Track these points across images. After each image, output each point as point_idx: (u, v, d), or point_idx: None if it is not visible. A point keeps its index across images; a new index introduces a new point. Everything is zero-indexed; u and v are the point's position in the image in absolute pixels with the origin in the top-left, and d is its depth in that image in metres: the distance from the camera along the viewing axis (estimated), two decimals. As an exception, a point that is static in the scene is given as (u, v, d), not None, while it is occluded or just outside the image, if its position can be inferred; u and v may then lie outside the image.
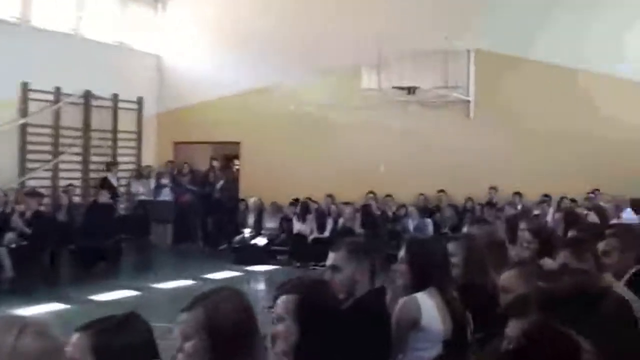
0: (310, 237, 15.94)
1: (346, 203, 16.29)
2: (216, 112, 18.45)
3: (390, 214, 16.65)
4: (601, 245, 4.97)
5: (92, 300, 11.88)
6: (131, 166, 18.61)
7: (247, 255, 16.02)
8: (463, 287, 4.82)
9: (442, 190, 16.88)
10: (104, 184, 17.02)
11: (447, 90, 16.51)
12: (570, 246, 4.77)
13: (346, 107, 17.47)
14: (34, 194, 14.24)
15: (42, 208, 14.17)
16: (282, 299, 3.36)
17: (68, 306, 11.44)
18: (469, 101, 16.99)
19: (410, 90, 16.44)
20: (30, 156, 16.16)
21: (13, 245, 12.91)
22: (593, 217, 7.72)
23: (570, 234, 5.39)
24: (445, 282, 4.53)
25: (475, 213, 15.19)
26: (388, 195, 17.01)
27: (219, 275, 14.36)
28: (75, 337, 2.75)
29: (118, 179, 17.79)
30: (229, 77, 18.23)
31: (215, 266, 15.14)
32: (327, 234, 15.81)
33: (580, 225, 6.28)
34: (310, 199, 16.90)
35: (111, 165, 17.65)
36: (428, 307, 4.39)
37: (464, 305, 4.55)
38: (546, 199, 15.62)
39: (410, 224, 15.96)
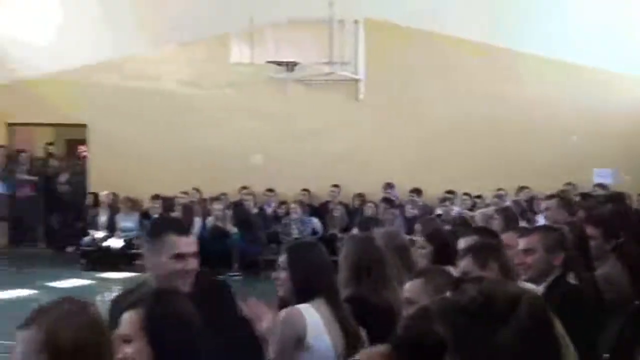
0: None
1: (216, 198, 16.37)
2: (57, 88, 18.12)
3: (269, 212, 16.81)
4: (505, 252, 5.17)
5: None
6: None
7: (100, 259, 15.96)
8: (355, 298, 4.91)
9: (336, 185, 17.02)
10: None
11: (333, 66, 16.49)
12: (471, 252, 4.90)
13: (213, 84, 17.54)
14: None
15: None
16: (126, 317, 3.35)
17: None
18: (358, 80, 17.23)
19: (289, 65, 16.39)
20: None
21: None
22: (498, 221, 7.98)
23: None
24: (333, 292, 4.60)
25: (365, 212, 15.44)
26: (269, 190, 17.16)
27: (66, 283, 14.28)
28: None
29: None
30: (73, 47, 17.75)
31: (60, 272, 15.04)
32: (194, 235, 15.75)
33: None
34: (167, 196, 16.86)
35: None
36: (314, 321, 4.43)
37: (356, 320, 4.61)
38: (449, 196, 16.05)
39: (293, 225, 16.13)
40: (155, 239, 4.22)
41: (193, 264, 4.21)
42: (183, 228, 4.34)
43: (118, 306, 3.50)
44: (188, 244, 4.22)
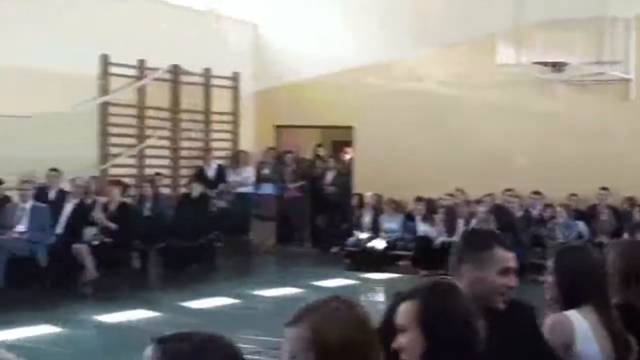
0: (438, 241, 16.06)
1: (478, 201, 16.39)
2: (325, 92, 18.73)
3: (534, 214, 16.66)
4: None
5: (183, 308, 12.39)
6: (226, 153, 19.04)
7: (363, 260, 16.35)
8: (623, 305, 4.74)
9: (604, 188, 16.44)
10: (200, 174, 17.68)
11: (602, 66, 16.25)
12: None
13: (478, 85, 17.56)
14: (117, 183, 14.91)
15: (126, 200, 14.89)
16: (402, 307, 3.40)
17: (157, 313, 11.98)
18: (629, 80, 16.82)
19: (556, 66, 16.24)
20: (112, 140, 16.90)
21: (95, 242, 13.56)
22: None
23: None
24: (602, 299, 4.47)
25: (634, 217, 15.04)
26: (535, 193, 16.96)
27: (330, 282, 14.70)
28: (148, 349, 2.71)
29: (220, 168, 18.21)
30: (339, 51, 18.43)
31: (325, 272, 15.55)
32: (456, 237, 15.88)
33: None
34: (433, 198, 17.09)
35: (207, 152, 18.25)
36: (583, 328, 4.33)
37: (625, 327, 4.48)
38: None
39: (557, 229, 15.96)
40: (480, 252, 4.16)
41: (515, 280, 4.17)
42: (506, 242, 4.27)
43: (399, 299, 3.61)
44: (513, 259, 4.18)
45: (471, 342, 3.38)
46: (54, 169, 14.48)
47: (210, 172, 17.96)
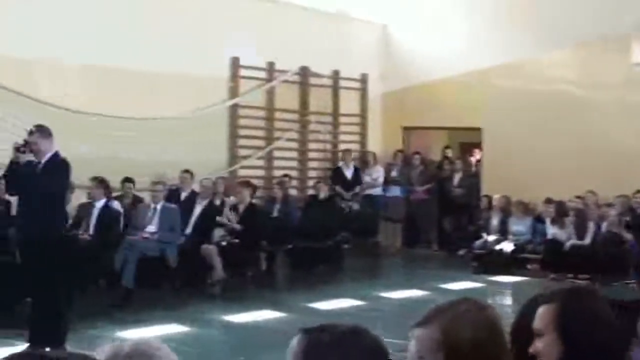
0: (568, 244, 15.75)
1: (609, 204, 15.96)
2: (453, 93, 18.54)
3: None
4: None
5: (310, 309, 12.40)
6: (353, 154, 18.89)
7: (491, 263, 16.11)
8: None
9: None
10: (337, 175, 17.72)
11: None
12: None
13: (611, 84, 17.10)
14: (247, 184, 15.07)
15: (254, 201, 15.03)
16: (539, 311, 3.33)
17: (283, 314, 12.03)
18: None
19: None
20: (241, 142, 17.09)
21: (224, 243, 13.70)
22: None
23: None
24: None
25: None
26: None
27: (457, 285, 14.55)
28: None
29: (357, 169, 18.16)
30: (468, 51, 18.26)
31: (452, 274, 15.41)
32: (587, 240, 15.57)
33: None
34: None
35: (346, 153, 18.27)
36: None
37: None
38: None
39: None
40: None
41: None
42: None
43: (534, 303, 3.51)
44: None
45: (610, 347, 3.28)
46: (186, 171, 14.69)
47: (348, 173, 17.98)
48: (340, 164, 18.16)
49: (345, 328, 2.72)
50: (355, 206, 17.48)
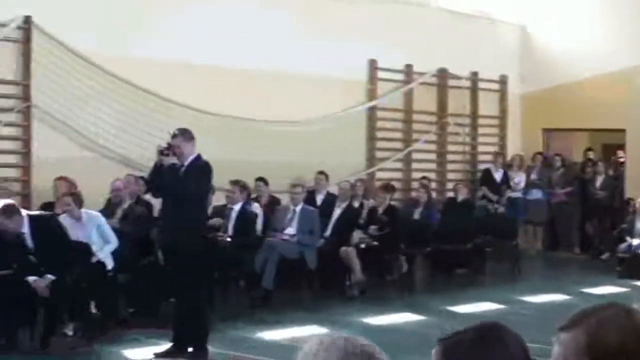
0: None
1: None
2: (594, 93, 18.05)
3: None
4: None
5: (449, 312, 12.25)
6: (491, 157, 18.57)
7: (636, 267, 15.54)
8: None
9: None
10: (487, 177, 17.54)
11: None
12: None
13: None
14: (387, 188, 15.02)
15: (392, 203, 14.96)
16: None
17: (422, 317, 11.93)
18: None
19: None
20: (379, 144, 17.03)
21: (363, 246, 13.65)
22: None
23: None
24: None
25: None
26: None
27: (600, 289, 14.15)
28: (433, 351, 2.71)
29: (506, 172, 17.89)
30: (610, 50, 17.71)
31: (595, 279, 15.03)
32: None
33: None
34: None
35: (497, 156, 18.06)
36: None
37: None
38: None
39: None
40: None
41: None
42: None
43: None
44: None
45: None
46: (321, 172, 14.72)
47: (497, 176, 17.74)
48: (490, 166, 17.93)
49: (483, 324, 2.68)
50: (501, 209, 17.23)
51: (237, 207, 12.76)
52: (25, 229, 9.25)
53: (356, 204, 14.44)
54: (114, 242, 10.43)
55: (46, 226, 9.45)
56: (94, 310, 10.05)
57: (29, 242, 9.29)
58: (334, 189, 14.76)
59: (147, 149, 12.26)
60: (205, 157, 9.15)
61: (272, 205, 13.94)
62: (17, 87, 13.02)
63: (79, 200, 10.44)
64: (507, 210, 17.41)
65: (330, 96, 15.66)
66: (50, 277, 9.11)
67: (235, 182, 12.92)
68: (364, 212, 14.23)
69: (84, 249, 9.85)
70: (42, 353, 9.07)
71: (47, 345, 9.16)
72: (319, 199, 14.46)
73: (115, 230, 10.70)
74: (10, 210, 9.20)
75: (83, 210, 10.36)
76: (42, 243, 9.26)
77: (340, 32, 15.73)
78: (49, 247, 9.26)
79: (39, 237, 9.27)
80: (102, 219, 10.46)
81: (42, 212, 10.02)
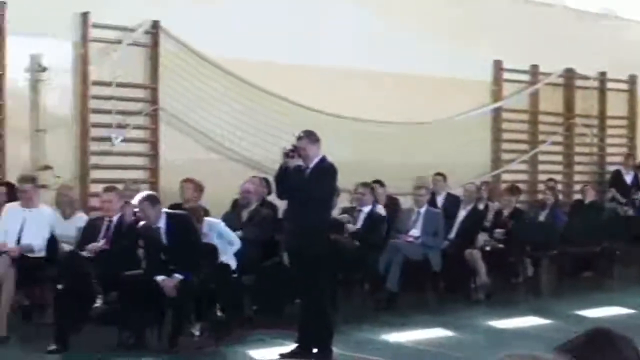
0: None
1: None
2: None
3: None
4: None
5: (576, 316, 12.00)
6: (620, 159, 18.22)
7: None
8: None
9: None
10: (617, 179, 17.19)
11: None
12: None
13: None
14: (513, 190, 14.81)
15: (518, 206, 14.75)
16: None
17: (549, 321, 11.70)
18: None
19: None
20: (504, 146, 16.79)
21: (488, 248, 13.48)
22: None
23: None
24: None
25: None
26: None
27: None
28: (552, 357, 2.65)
29: (636, 174, 17.47)
30: None
31: None
32: None
33: None
34: None
35: (628, 157, 17.70)
36: None
37: None
38: None
39: None
40: None
41: None
42: None
43: None
44: None
45: None
46: (439, 174, 14.61)
47: (628, 178, 17.35)
48: (620, 167, 17.54)
49: (597, 329, 2.66)
50: (630, 212, 16.75)
51: (366, 208, 12.73)
52: (162, 224, 9.47)
53: (481, 206, 14.27)
54: (237, 244, 10.53)
55: (181, 225, 9.63)
56: (219, 311, 10.17)
57: (163, 238, 9.49)
58: (457, 191, 14.63)
59: (271, 151, 12.35)
60: (330, 158, 9.15)
61: (390, 206, 13.86)
62: (145, 91, 13.29)
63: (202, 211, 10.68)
64: (637, 212, 16.92)
65: (455, 97, 15.53)
66: (178, 276, 9.26)
67: (365, 184, 12.90)
68: (490, 215, 14.05)
69: (211, 251, 9.98)
70: (170, 352, 9.20)
71: (174, 344, 9.31)
72: (440, 200, 14.35)
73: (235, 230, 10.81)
74: (154, 199, 9.60)
75: (205, 219, 10.49)
76: (175, 241, 9.44)
77: (464, 33, 15.60)
78: (181, 246, 9.42)
79: (173, 235, 9.46)
80: (222, 224, 10.58)
81: (179, 211, 10.18)
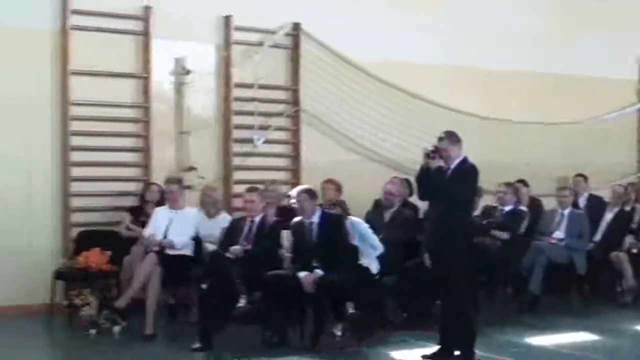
0: None
1: None
2: None
3: None
4: None
5: None
6: None
7: None
8: None
9: None
10: None
11: None
12: None
13: None
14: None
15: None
16: None
17: None
18: None
19: None
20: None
21: (634, 251, 13.08)
22: None
23: None
24: None
25: None
26: None
27: None
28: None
29: None
30: None
31: None
32: None
33: None
34: None
35: None
36: None
37: None
38: None
39: None
40: None
41: None
42: None
43: None
44: None
45: None
46: (580, 175, 14.38)
47: None
48: None
49: None
50: None
51: (507, 208, 12.56)
52: (315, 219, 9.59)
53: (628, 208, 13.90)
54: (379, 248, 10.52)
55: (334, 223, 9.74)
56: (357, 311, 10.19)
57: (315, 233, 9.62)
58: (601, 192, 14.34)
59: (412, 152, 12.33)
60: (471, 159, 9.07)
61: (533, 207, 13.65)
62: (286, 92, 13.46)
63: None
64: None
65: (600, 97, 15.24)
66: (318, 272, 9.33)
67: (507, 184, 12.74)
68: (636, 217, 13.67)
69: (353, 252, 10.02)
70: (312, 351, 9.28)
71: (316, 343, 9.38)
72: (582, 201, 14.07)
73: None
74: (312, 193, 9.86)
75: (349, 217, 10.54)
76: (325, 238, 9.55)
77: (607, 31, 15.31)
78: (330, 244, 9.51)
79: (324, 232, 9.61)
80: (365, 225, 10.59)
81: (332, 211, 10.27)
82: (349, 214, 10.53)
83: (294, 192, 9.91)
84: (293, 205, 9.99)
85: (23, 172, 11.64)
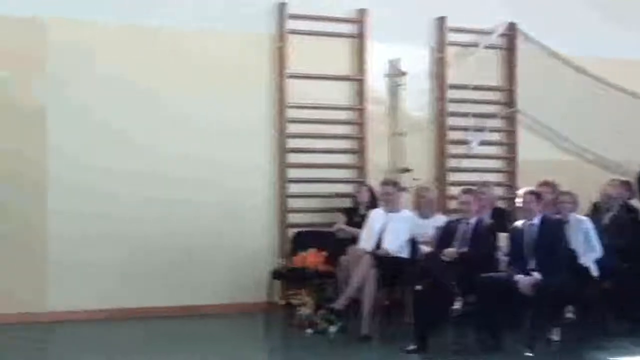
0: None
1: None
2: None
3: None
4: None
5: None
6: None
7: None
8: None
9: None
10: None
11: None
12: None
13: None
14: None
15: None
16: None
17: None
18: None
19: None
20: None
21: None
22: None
23: None
24: None
25: None
26: None
27: None
28: None
29: None
30: None
31: None
32: None
33: None
34: None
35: None
36: None
37: None
38: None
39: None
40: None
41: None
42: None
43: None
44: None
45: None
46: None
47: None
48: None
49: None
50: None
51: None
52: (536, 221, 9.50)
53: None
54: (597, 252, 10.27)
55: (553, 226, 9.60)
56: (574, 316, 9.98)
57: (535, 236, 9.48)
58: None
59: (632, 153, 11.97)
60: None
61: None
62: (501, 93, 13.34)
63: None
64: None
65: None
66: (536, 275, 9.19)
67: None
68: None
69: (571, 254, 9.82)
70: (527, 356, 9.14)
71: (532, 347, 9.23)
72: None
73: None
74: (539, 195, 9.65)
75: (572, 214, 10.34)
76: (544, 241, 9.41)
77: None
78: (548, 247, 9.37)
79: (544, 234, 9.45)
80: (590, 225, 10.35)
81: (553, 215, 10.11)
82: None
83: (520, 191, 9.78)
84: (515, 206, 9.79)
85: (242, 174, 12.01)
